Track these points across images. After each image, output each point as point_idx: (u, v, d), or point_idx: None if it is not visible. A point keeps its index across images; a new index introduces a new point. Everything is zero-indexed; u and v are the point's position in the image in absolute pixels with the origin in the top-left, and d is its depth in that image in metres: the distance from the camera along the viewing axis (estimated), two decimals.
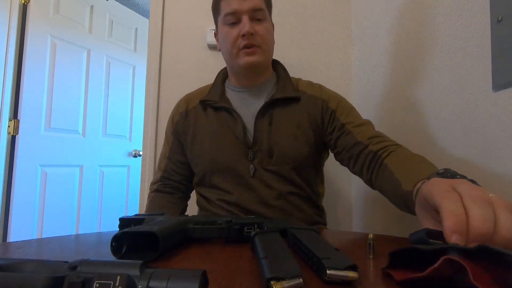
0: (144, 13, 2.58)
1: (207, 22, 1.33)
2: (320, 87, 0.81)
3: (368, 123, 0.73)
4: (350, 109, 0.77)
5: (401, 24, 0.91)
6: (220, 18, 0.75)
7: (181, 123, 0.82)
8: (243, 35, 0.70)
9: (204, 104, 0.80)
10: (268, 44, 0.75)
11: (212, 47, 1.32)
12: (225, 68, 0.86)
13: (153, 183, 0.86)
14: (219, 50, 0.80)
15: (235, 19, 0.72)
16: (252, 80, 0.79)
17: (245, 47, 0.71)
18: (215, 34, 0.82)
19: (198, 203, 0.84)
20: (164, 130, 1.32)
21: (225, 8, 0.73)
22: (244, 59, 0.72)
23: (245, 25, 0.69)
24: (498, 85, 0.55)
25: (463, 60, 0.65)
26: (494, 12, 0.57)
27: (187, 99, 0.85)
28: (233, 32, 0.72)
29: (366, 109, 1.16)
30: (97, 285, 0.20)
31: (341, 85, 1.29)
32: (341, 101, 0.78)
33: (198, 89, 0.88)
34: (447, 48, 0.70)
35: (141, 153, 1.56)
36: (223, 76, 0.85)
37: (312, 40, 1.31)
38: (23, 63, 1.64)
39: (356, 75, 1.28)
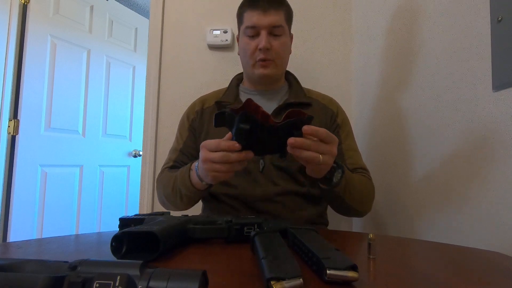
0: (144, 13, 2.58)
1: (207, 22, 1.33)
2: (331, 99, 0.88)
3: (358, 150, 0.83)
4: (349, 131, 0.84)
5: (401, 24, 0.91)
6: (242, 28, 0.81)
7: (196, 121, 0.86)
8: (260, 49, 0.76)
9: (219, 105, 0.84)
10: (282, 58, 0.81)
11: (212, 47, 1.32)
12: (239, 74, 0.92)
13: (163, 167, 0.87)
14: (239, 54, 0.85)
15: (254, 32, 0.77)
16: (265, 86, 0.85)
17: (261, 59, 0.77)
18: (237, 38, 0.87)
19: (202, 197, 0.86)
20: (164, 130, 1.34)
21: (246, 21, 0.78)
22: (259, 71, 0.79)
23: (262, 40, 0.76)
24: (498, 85, 0.55)
25: (463, 60, 0.65)
26: (494, 12, 0.57)
27: (203, 99, 0.90)
28: (252, 44, 0.78)
29: (366, 109, 1.16)
30: (97, 285, 0.20)
31: (341, 85, 1.29)
32: (346, 119, 0.86)
33: (212, 92, 0.93)
34: (447, 48, 0.70)
35: (141, 153, 1.56)
36: (237, 80, 0.90)
37: (312, 40, 1.31)
38: (23, 63, 1.64)
39: (356, 75, 1.28)
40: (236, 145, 0.51)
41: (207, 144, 0.56)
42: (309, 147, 0.51)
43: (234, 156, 0.52)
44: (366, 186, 0.74)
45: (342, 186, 0.64)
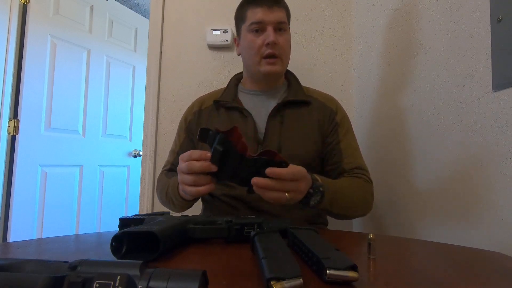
0: (144, 13, 2.58)
1: (207, 22, 1.33)
2: (330, 98, 0.88)
3: (358, 149, 0.82)
4: (349, 128, 0.84)
5: (401, 24, 0.91)
6: (245, 26, 0.80)
7: (194, 122, 0.86)
8: (267, 44, 0.76)
9: (218, 104, 0.84)
10: (287, 54, 0.82)
11: (212, 47, 1.32)
12: (238, 73, 0.93)
13: (162, 169, 0.88)
14: (239, 54, 0.86)
15: (260, 27, 0.77)
16: (267, 85, 0.85)
17: (268, 56, 0.77)
18: (235, 40, 0.88)
19: (202, 198, 0.87)
20: (164, 130, 1.34)
21: (251, 17, 0.78)
22: (266, 68, 0.78)
23: (270, 35, 0.75)
24: (498, 85, 0.55)
25: (463, 60, 0.65)
26: (494, 12, 0.57)
27: (201, 100, 0.90)
28: (258, 40, 0.77)
29: (365, 109, 1.16)
30: (97, 285, 0.20)
31: (341, 84, 1.29)
32: (345, 117, 0.85)
33: (211, 92, 0.93)
34: (447, 48, 0.70)
35: (141, 153, 1.56)
36: (235, 80, 0.91)
37: (313, 40, 1.31)
38: (23, 63, 1.64)
39: (356, 74, 1.28)
40: (208, 154, 0.52)
41: (182, 155, 0.56)
42: (273, 187, 0.51)
43: (197, 164, 0.52)
44: (361, 191, 0.73)
45: (325, 202, 0.63)
